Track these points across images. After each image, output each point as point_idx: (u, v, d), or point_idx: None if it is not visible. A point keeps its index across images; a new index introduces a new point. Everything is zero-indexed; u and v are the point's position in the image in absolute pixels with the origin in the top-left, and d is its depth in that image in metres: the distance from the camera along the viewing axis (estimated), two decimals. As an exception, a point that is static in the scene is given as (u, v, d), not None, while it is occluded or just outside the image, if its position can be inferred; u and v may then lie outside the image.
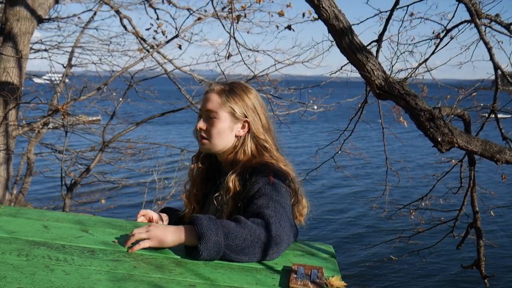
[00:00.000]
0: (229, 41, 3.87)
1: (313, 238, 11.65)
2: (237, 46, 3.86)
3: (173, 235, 1.55)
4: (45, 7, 5.64)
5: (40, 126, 7.48)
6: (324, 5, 3.04)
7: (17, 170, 8.88)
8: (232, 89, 1.95)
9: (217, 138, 1.92)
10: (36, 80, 9.92)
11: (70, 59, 8.90)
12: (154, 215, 2.08)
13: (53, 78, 9.74)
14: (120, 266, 1.42)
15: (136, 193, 12.40)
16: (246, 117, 1.93)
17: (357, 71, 3.29)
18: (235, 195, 1.81)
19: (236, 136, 1.94)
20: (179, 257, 1.54)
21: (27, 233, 1.66)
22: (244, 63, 3.61)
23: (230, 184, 1.83)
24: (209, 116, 1.93)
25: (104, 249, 1.55)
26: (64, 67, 8.55)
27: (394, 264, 10.04)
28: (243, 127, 1.94)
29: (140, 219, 2.05)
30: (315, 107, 7.38)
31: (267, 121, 1.99)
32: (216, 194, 1.92)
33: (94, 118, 11.95)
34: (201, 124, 1.94)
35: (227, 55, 3.95)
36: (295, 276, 1.41)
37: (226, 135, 1.92)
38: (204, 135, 1.95)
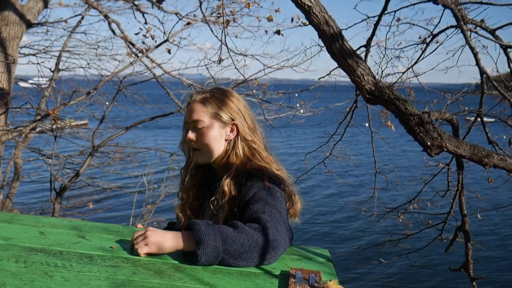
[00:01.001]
0: (221, 46, 3.89)
1: (303, 242, 11.68)
2: (228, 51, 3.88)
3: (172, 241, 1.56)
4: (34, 12, 5.61)
5: (28, 131, 7.42)
6: (314, 10, 3.07)
7: (4, 174, 8.78)
8: (213, 95, 1.95)
9: (209, 147, 1.93)
10: (22, 84, 9.82)
11: (57, 63, 8.84)
12: None
13: (39, 82, 9.66)
14: (119, 272, 1.43)
15: (125, 197, 12.33)
16: (233, 120, 1.94)
17: (345, 75, 3.32)
18: (231, 200, 1.82)
19: (226, 140, 1.96)
20: (177, 262, 1.54)
21: (23, 239, 1.65)
22: (235, 67, 3.63)
23: (226, 188, 1.84)
24: (196, 127, 1.93)
25: (102, 255, 1.56)
26: (52, 71, 8.49)
27: (383, 267, 10.10)
28: (231, 130, 1.95)
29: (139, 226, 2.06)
30: (302, 111, 7.41)
31: (253, 122, 2.01)
32: (212, 199, 1.93)
33: (81, 122, 11.87)
34: (191, 136, 1.94)
35: (219, 60, 3.97)
36: (294, 280, 1.43)
37: (217, 141, 1.93)
38: (195, 146, 1.96)
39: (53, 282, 1.33)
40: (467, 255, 3.92)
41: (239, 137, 1.94)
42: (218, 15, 6.18)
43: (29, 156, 9.46)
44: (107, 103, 7.93)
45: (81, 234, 1.76)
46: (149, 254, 1.57)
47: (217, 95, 1.96)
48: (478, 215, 4.93)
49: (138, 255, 1.56)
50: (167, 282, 1.39)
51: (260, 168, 1.85)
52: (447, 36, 4.17)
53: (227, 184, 1.84)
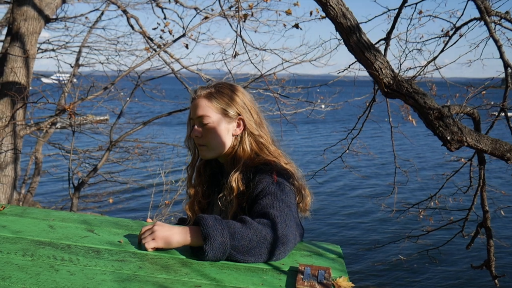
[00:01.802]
0: (236, 40, 3.86)
1: (320, 238, 11.62)
2: (244, 45, 3.84)
3: (179, 236, 1.53)
4: (52, 7, 5.65)
5: (48, 126, 7.50)
6: (331, 3, 3.01)
7: (25, 169, 8.92)
8: (219, 90, 1.93)
9: (215, 142, 1.90)
10: (44, 80, 9.96)
11: (77, 59, 8.94)
12: None
13: (61, 78, 9.78)
14: (126, 267, 1.41)
15: (143, 193, 12.42)
16: (239, 115, 1.92)
17: (365, 69, 3.26)
18: (239, 195, 1.80)
19: (233, 135, 1.93)
20: (185, 257, 1.52)
21: (32, 233, 1.65)
22: (251, 62, 3.58)
23: (234, 184, 1.82)
24: (202, 122, 1.91)
25: (110, 249, 1.54)
26: (72, 67, 8.57)
27: (403, 264, 9.98)
28: (238, 125, 1.93)
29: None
30: (323, 106, 7.35)
31: (259, 116, 1.98)
32: (220, 195, 1.90)
33: (101, 118, 11.99)
34: (197, 132, 1.92)
35: (234, 54, 3.93)
36: (302, 276, 1.39)
37: (223, 136, 1.91)
38: (201, 142, 1.93)
39: (59, 276, 1.32)
40: (489, 252, 3.83)
41: (246, 132, 1.92)
42: (237, 9, 6.14)
43: (50, 152, 9.60)
44: (127, 98, 7.98)
45: (90, 228, 1.75)
46: (156, 249, 1.55)
47: (223, 90, 1.93)
48: (502, 211, 4.81)
49: (145, 249, 1.54)
50: (173, 277, 1.36)
51: (269, 162, 1.82)
52: (468, 28, 4.07)
53: (234, 179, 1.82)
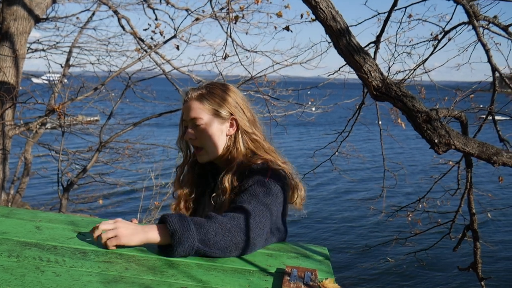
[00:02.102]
0: (226, 41, 3.86)
1: (308, 240, 11.64)
2: (234, 47, 3.85)
3: (142, 235, 1.53)
4: (42, 7, 5.62)
5: (37, 126, 7.46)
6: (321, 6, 3.03)
7: (15, 170, 8.86)
8: (210, 91, 1.92)
9: (211, 144, 1.90)
10: (34, 80, 9.90)
11: (68, 59, 8.90)
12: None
13: (51, 78, 9.73)
14: (112, 268, 1.40)
15: (133, 194, 12.37)
16: (232, 115, 1.91)
17: (354, 72, 3.28)
18: (232, 194, 1.81)
19: (227, 136, 1.93)
20: (172, 258, 1.52)
21: (18, 233, 1.64)
22: (241, 64, 3.59)
23: (226, 184, 1.82)
24: (195, 124, 1.90)
25: (96, 250, 1.53)
26: (62, 67, 8.53)
27: (391, 266, 10.02)
28: (231, 125, 1.93)
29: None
30: (313, 109, 7.37)
31: (252, 114, 1.98)
32: (213, 195, 1.91)
33: (92, 119, 11.93)
34: (190, 134, 1.92)
35: (224, 56, 3.94)
36: (288, 278, 1.39)
37: (217, 138, 1.90)
38: (197, 144, 1.93)
39: (44, 277, 1.31)
40: (475, 254, 3.86)
41: (239, 131, 1.92)
42: (228, 10, 6.15)
43: (39, 152, 9.53)
44: (118, 99, 7.95)
45: (77, 229, 1.74)
46: (117, 247, 1.54)
47: (214, 91, 1.92)
48: (488, 214, 4.85)
49: (106, 247, 1.53)
50: (159, 279, 1.36)
51: (265, 162, 1.83)
52: (457, 32, 4.10)
53: (227, 180, 1.83)
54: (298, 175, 1.96)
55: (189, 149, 2.02)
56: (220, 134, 1.91)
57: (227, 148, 1.93)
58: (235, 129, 1.93)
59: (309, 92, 7.00)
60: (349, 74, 4.56)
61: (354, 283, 9.78)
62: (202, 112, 1.89)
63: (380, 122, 5.45)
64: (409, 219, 5.45)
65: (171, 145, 8.60)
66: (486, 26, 3.85)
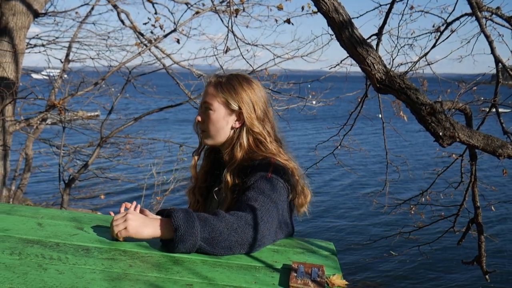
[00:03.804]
0: (227, 35, 3.83)
1: (312, 235, 11.63)
2: (235, 40, 3.82)
3: (151, 228, 1.53)
4: (41, 1, 5.58)
5: (38, 122, 7.43)
6: (323, -3, 2.99)
7: (16, 166, 8.84)
8: (228, 81, 1.94)
9: (213, 130, 1.92)
10: (34, 75, 9.85)
11: (67, 54, 8.85)
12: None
13: (51, 74, 9.69)
14: (116, 265, 1.38)
15: (135, 189, 12.36)
16: (240, 109, 1.91)
17: (357, 65, 3.24)
18: (234, 188, 1.81)
19: (232, 128, 1.94)
20: (176, 255, 1.50)
21: (20, 231, 1.62)
22: (243, 57, 3.56)
23: (228, 178, 1.83)
24: (205, 108, 1.94)
25: (100, 247, 1.52)
26: (62, 62, 8.49)
27: (394, 260, 10.02)
28: (238, 119, 1.93)
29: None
30: (314, 102, 7.34)
31: (264, 114, 1.96)
32: (216, 189, 1.93)
33: (92, 114, 11.89)
34: (198, 117, 1.96)
35: (225, 49, 3.91)
36: (295, 274, 1.37)
37: (221, 126, 1.92)
38: (202, 127, 1.96)
39: (47, 275, 1.29)
40: (480, 248, 3.83)
41: (244, 127, 1.91)
42: (228, 4, 6.10)
43: (40, 148, 9.51)
44: (118, 94, 7.93)
45: (80, 225, 1.72)
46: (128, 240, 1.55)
47: (231, 81, 1.94)
48: (492, 207, 4.82)
49: (117, 238, 1.54)
50: (164, 276, 1.34)
51: (266, 157, 1.83)
52: (460, 24, 4.06)
53: (229, 174, 1.84)
54: (304, 177, 1.95)
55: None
56: (225, 125, 1.92)
57: (231, 141, 1.93)
58: (241, 123, 1.92)
59: (309, 86, 6.97)
60: (351, 67, 4.53)
61: (357, 279, 9.78)
62: (214, 99, 1.92)
63: (381, 115, 5.41)
64: (412, 212, 5.43)
65: (172, 140, 8.59)
66: (489, 17, 3.81)
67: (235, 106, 1.91)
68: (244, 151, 1.89)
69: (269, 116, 1.99)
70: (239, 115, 1.92)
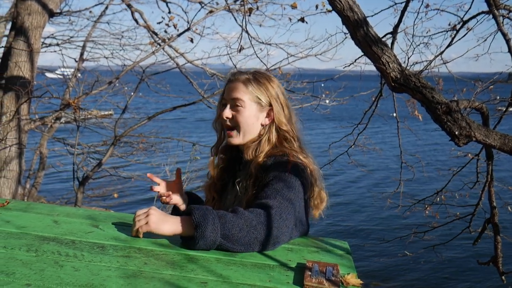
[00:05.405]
0: (241, 34, 3.83)
1: (326, 234, 11.59)
2: (249, 39, 3.81)
3: (172, 224, 1.54)
4: (56, 1, 5.62)
5: (52, 121, 7.50)
6: (338, -4, 2.97)
7: (30, 164, 8.93)
8: (256, 78, 1.95)
9: (245, 126, 1.92)
10: (49, 74, 9.95)
11: (82, 54, 8.92)
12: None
13: (65, 73, 9.77)
14: (131, 262, 1.39)
15: (148, 188, 12.42)
16: (270, 106, 1.93)
17: (371, 63, 3.22)
18: (255, 182, 1.82)
19: (262, 125, 1.95)
20: (191, 253, 1.50)
21: (36, 228, 1.63)
22: (257, 56, 3.56)
23: (253, 170, 1.84)
24: (235, 105, 1.93)
25: (115, 244, 1.52)
26: (76, 61, 8.56)
27: (409, 260, 9.94)
28: (268, 115, 1.94)
29: (157, 188, 2.08)
30: (327, 101, 7.30)
31: (289, 112, 1.99)
32: (237, 180, 1.93)
33: (106, 113, 11.97)
34: (227, 113, 1.94)
35: (239, 48, 3.90)
36: (310, 273, 1.36)
37: (253, 123, 1.93)
38: (230, 124, 1.95)
39: (63, 271, 1.30)
40: (496, 248, 3.78)
41: (274, 124, 1.93)
42: (242, 3, 6.10)
43: (55, 147, 9.59)
44: (132, 93, 7.97)
45: (95, 223, 1.73)
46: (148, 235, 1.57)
47: (260, 78, 1.95)
48: (509, 207, 4.77)
49: (137, 234, 1.57)
50: (178, 274, 1.34)
51: (286, 154, 1.83)
52: (477, 22, 4.01)
53: (254, 167, 1.84)
54: (322, 179, 1.95)
55: (223, 131, 2.03)
56: (256, 121, 1.93)
57: (258, 137, 1.94)
58: (271, 120, 1.94)
59: (322, 85, 6.94)
60: (366, 66, 4.50)
61: (370, 278, 9.73)
62: (244, 95, 1.91)
63: (396, 114, 5.37)
64: (427, 212, 5.39)
65: (185, 138, 8.61)
66: (507, 15, 3.77)
67: (265, 103, 1.92)
68: (271, 146, 1.90)
69: (293, 115, 2.01)
70: (269, 111, 1.94)
